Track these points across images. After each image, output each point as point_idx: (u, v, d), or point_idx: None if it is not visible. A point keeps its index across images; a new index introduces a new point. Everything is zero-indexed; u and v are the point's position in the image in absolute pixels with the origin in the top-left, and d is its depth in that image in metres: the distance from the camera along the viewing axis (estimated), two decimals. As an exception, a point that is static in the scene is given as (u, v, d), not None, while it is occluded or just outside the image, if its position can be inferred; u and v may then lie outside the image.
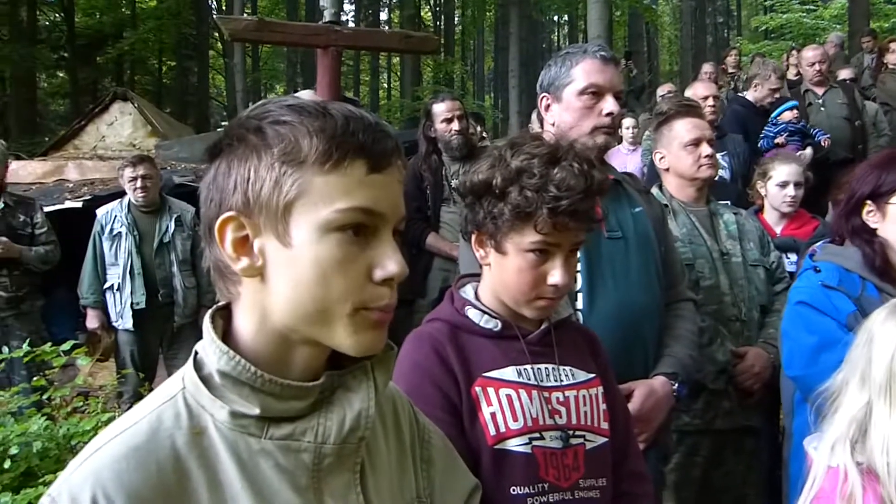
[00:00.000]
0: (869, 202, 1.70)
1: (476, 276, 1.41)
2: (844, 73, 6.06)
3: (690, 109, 2.72)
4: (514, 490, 1.21)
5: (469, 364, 1.27)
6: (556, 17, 22.59)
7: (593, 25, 8.11)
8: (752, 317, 2.38)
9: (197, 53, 21.24)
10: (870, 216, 1.70)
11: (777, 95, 4.96)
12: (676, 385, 1.79)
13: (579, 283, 1.80)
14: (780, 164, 2.94)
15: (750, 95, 5.03)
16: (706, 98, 4.01)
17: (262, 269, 0.78)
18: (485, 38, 21.99)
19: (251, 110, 0.82)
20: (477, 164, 1.32)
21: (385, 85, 26.81)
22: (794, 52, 7.72)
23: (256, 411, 0.77)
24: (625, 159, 5.78)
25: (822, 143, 4.82)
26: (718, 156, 3.97)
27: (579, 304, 1.79)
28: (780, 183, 2.91)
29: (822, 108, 5.14)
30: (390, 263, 0.78)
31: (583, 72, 1.87)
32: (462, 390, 1.25)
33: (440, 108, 3.61)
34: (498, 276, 1.31)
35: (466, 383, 1.25)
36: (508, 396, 1.25)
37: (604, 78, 1.86)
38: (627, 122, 6.00)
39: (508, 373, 1.27)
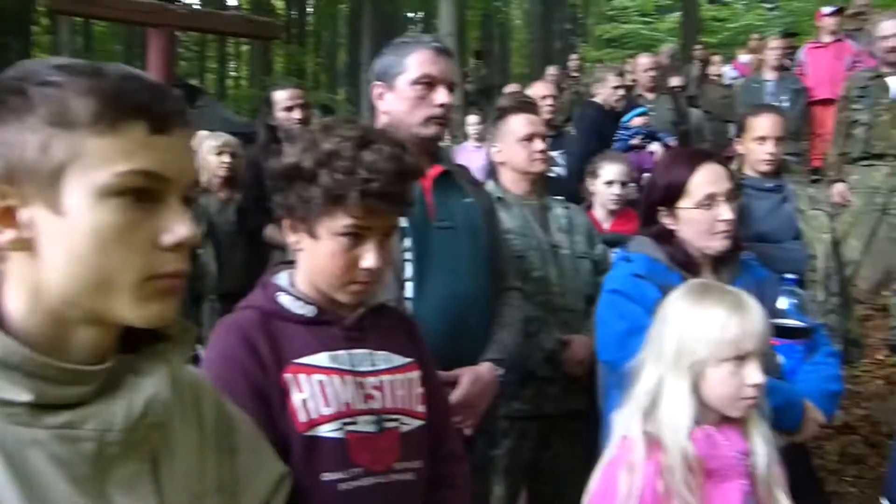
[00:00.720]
0: (662, 208, 1.83)
1: (293, 264, 1.36)
2: (674, 82, 6.53)
3: (526, 106, 2.82)
4: (325, 476, 1.20)
5: (280, 351, 1.24)
6: (411, 14, 22.78)
7: (445, 23, 8.24)
8: (579, 306, 2.49)
9: (18, 28, 19.25)
10: (666, 220, 1.83)
11: (621, 93, 5.24)
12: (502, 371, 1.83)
13: (409, 272, 1.80)
14: (607, 164, 3.11)
15: (599, 99, 5.31)
16: (545, 97, 4.18)
17: (32, 241, 0.72)
18: (339, 30, 21.71)
19: (10, 70, 0.74)
20: (288, 147, 1.28)
21: (233, 73, 25.76)
22: (630, 59, 8.24)
23: (28, 398, 0.71)
24: (470, 156, 5.89)
25: (670, 146, 5.17)
26: (556, 153, 4.18)
27: (409, 293, 1.79)
28: (606, 181, 3.08)
29: (653, 113, 5.51)
30: (179, 227, 0.75)
31: (416, 62, 1.87)
32: (272, 378, 1.22)
33: (281, 96, 3.49)
34: (311, 261, 1.29)
35: (276, 371, 1.22)
36: (321, 382, 1.23)
37: (437, 69, 1.87)
38: (472, 119, 6.11)
39: (321, 358, 1.25)
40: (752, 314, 1.34)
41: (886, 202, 4.25)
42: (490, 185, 2.62)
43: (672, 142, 5.26)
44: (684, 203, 1.80)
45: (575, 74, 8.58)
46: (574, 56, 9.17)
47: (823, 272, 2.80)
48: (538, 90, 4.32)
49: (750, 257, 2.44)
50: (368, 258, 1.25)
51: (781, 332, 1.82)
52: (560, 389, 2.40)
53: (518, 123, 2.58)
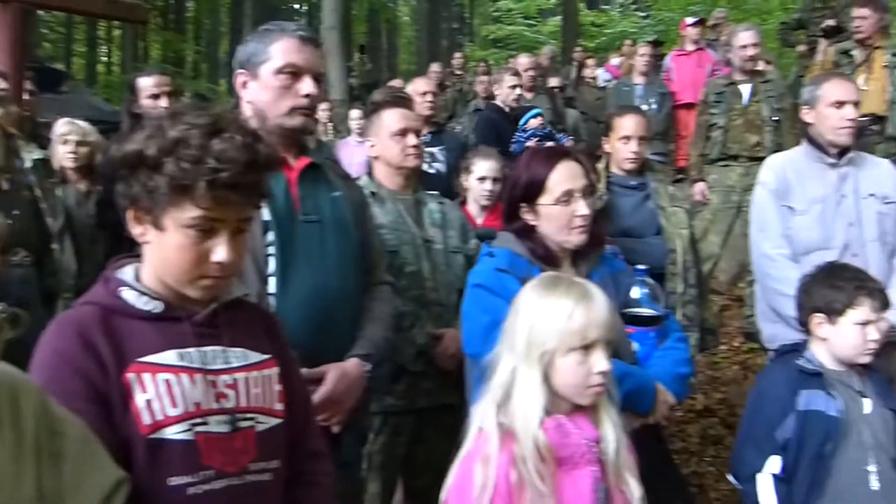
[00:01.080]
0: (523, 204, 1.88)
1: (139, 257, 1.29)
2: (552, 82, 6.75)
3: (400, 101, 2.82)
4: (172, 481, 1.14)
5: (122, 349, 1.17)
6: (295, 5, 22.29)
7: (328, 16, 8.11)
8: (451, 301, 2.51)
9: None
10: (527, 216, 1.88)
11: (519, 92, 5.31)
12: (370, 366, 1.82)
13: (272, 267, 1.75)
14: (480, 160, 3.16)
15: (499, 101, 5.36)
16: (425, 94, 4.19)
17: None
18: (221, 18, 20.89)
19: None
20: (133, 134, 1.21)
21: (104, 59, 24.21)
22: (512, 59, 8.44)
23: None
24: (352, 151, 5.83)
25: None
26: (436, 150, 4.20)
27: (271, 288, 1.74)
28: (479, 177, 3.13)
29: (531, 112, 5.66)
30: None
31: (281, 50, 1.82)
32: (112, 378, 1.14)
33: (146, 83, 3.30)
34: (158, 254, 1.22)
35: (117, 370, 1.15)
36: (167, 382, 1.17)
37: (302, 58, 1.83)
38: (356, 113, 6.06)
39: (168, 357, 1.19)
40: (597, 304, 1.39)
41: (741, 200, 4.55)
42: (364, 180, 2.60)
43: (568, 143, 5.45)
44: (544, 200, 1.86)
45: (459, 72, 8.69)
46: (458, 54, 9.29)
47: (682, 265, 2.98)
48: (418, 86, 4.32)
49: (615, 251, 2.56)
50: (219, 252, 1.19)
51: (635, 320, 1.92)
52: (433, 384, 2.42)
53: (391, 118, 2.58)
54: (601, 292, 1.44)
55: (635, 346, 1.92)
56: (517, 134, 4.99)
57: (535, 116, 5.15)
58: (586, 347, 1.38)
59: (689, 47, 6.49)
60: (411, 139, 2.56)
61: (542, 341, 1.38)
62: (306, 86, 1.82)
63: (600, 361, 1.38)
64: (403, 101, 2.76)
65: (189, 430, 1.17)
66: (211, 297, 1.26)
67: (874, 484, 1.98)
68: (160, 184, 1.15)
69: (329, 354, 1.77)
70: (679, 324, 2.91)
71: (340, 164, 2.26)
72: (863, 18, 4.72)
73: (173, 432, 1.16)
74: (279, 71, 1.80)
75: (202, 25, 21.80)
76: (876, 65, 4.66)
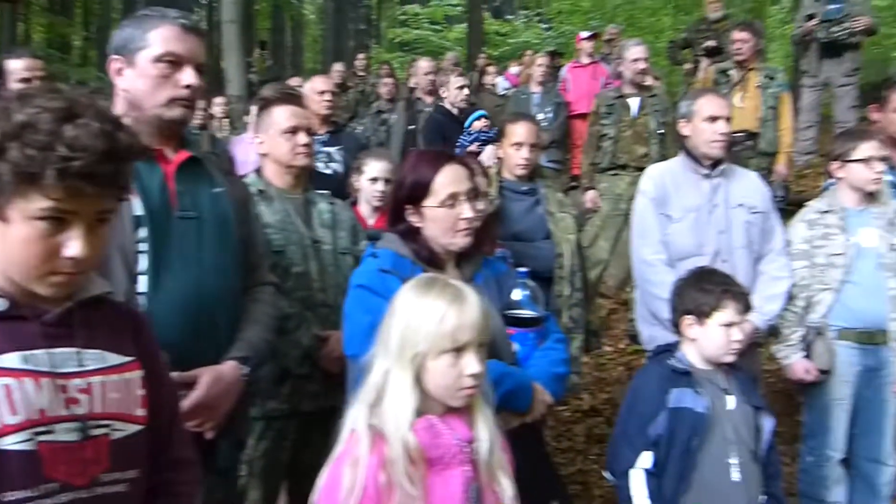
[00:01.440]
0: (408, 206, 1.89)
1: None
2: (452, 88, 6.79)
3: (291, 98, 2.76)
4: (10, 496, 1.06)
5: None
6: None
7: (227, 9, 7.85)
8: (339, 302, 2.45)
9: None
10: (412, 218, 1.89)
11: (466, 91, 5.35)
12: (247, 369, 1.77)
13: (143, 265, 1.67)
14: (372, 161, 3.15)
15: (446, 103, 5.37)
16: (323, 92, 4.13)
17: None
18: (112, 4, 19.83)
19: None
20: None
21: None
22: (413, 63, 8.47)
23: None
24: (248, 148, 5.67)
25: None
26: (333, 149, 4.15)
27: (142, 287, 1.66)
28: (371, 178, 3.11)
29: (431, 116, 5.69)
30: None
31: (160, 38, 1.74)
32: None
33: (16, 66, 3.10)
34: (2, 247, 1.13)
35: (-49, 375, 1.05)
36: (7, 387, 1.09)
37: (184, 47, 1.76)
38: (253, 110, 5.88)
39: (10, 359, 1.10)
40: (469, 307, 1.41)
41: (629, 208, 4.72)
42: (251, 178, 2.53)
43: None
44: (429, 202, 1.87)
45: (362, 74, 8.64)
46: (361, 55, 9.23)
47: (569, 269, 3.06)
48: (317, 84, 4.25)
49: (505, 254, 2.60)
50: (73, 246, 1.12)
51: (516, 321, 1.96)
52: (319, 387, 2.38)
53: (281, 115, 2.52)
54: (476, 295, 1.45)
55: (516, 346, 1.96)
56: (461, 137, 5.00)
57: (479, 118, 5.18)
58: (458, 350, 1.39)
59: (585, 60, 6.72)
60: (302, 137, 2.52)
61: (414, 343, 1.38)
62: (187, 76, 1.76)
63: (471, 364, 1.40)
64: (294, 98, 2.70)
65: (30, 439, 1.09)
66: (64, 295, 1.18)
67: (735, 476, 2.11)
68: (3, 171, 1.07)
69: (205, 357, 1.71)
70: (564, 325, 3.02)
71: (231, 160, 2.20)
72: (743, 42, 5.04)
73: (11, 442, 1.07)
74: (158, 59, 1.73)
75: (92, 10, 20.62)
76: (750, 84, 4.99)
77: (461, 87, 5.28)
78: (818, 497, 2.97)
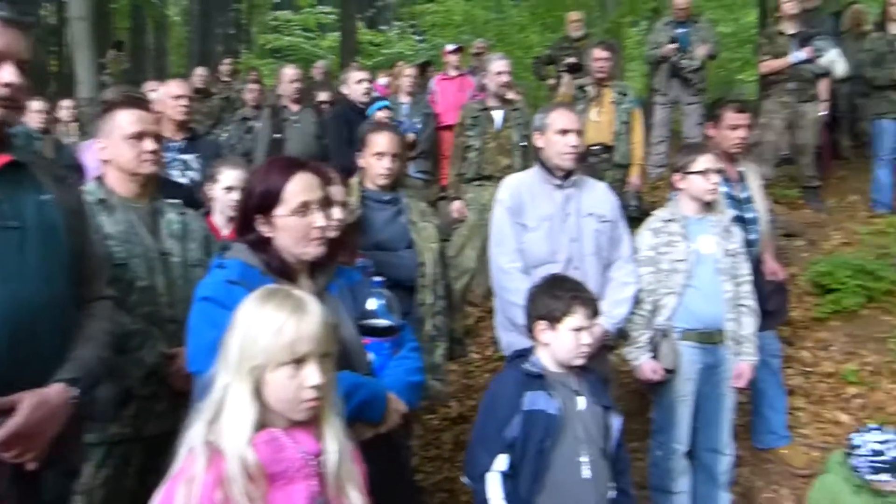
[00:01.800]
0: (258, 215, 1.83)
1: None
2: (322, 96, 6.72)
3: (136, 102, 2.61)
4: None
5: None
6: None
7: (76, 5, 7.33)
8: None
9: None
10: (262, 227, 1.84)
11: (366, 86, 5.36)
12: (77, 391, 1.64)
13: (-47, 278, 1.51)
14: (227, 169, 3.04)
15: (350, 98, 5.38)
16: (179, 97, 3.96)
17: None
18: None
19: None
20: None
21: None
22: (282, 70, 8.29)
23: None
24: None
25: (409, 138, 5.31)
26: (190, 157, 3.98)
27: (-49, 302, 1.50)
28: (226, 187, 3.01)
29: (297, 125, 5.59)
30: None
31: None
32: None
33: None
34: None
35: None
36: None
37: (1, 42, 1.62)
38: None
39: None
40: (310, 317, 1.38)
41: (494, 218, 4.86)
42: (91, 185, 2.37)
43: (412, 134, 5.48)
44: (280, 211, 1.82)
45: (227, 79, 8.35)
46: (226, 60, 8.92)
47: (431, 278, 3.09)
48: (172, 89, 4.06)
49: (366, 264, 2.58)
50: None
51: (371, 331, 1.95)
52: (166, 407, 2.25)
53: (125, 120, 2.38)
54: (318, 305, 1.43)
55: (371, 356, 1.95)
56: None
57: (381, 109, 5.11)
58: (298, 361, 1.36)
59: (452, 73, 6.84)
60: (148, 144, 2.39)
61: (252, 355, 1.34)
62: (6, 73, 1.62)
63: (312, 376, 1.37)
64: (139, 102, 2.56)
65: None
66: None
67: (585, 473, 2.20)
68: None
69: (27, 379, 1.57)
70: (427, 334, 3.05)
71: (69, 166, 2.04)
72: (605, 60, 5.31)
73: None
74: (-30, 55, 1.58)
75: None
76: (605, 100, 5.27)
77: (360, 82, 5.28)
78: (666, 488, 3.16)
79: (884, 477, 2.56)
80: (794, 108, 6.21)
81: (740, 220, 3.38)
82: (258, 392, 1.35)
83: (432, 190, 5.91)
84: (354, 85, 5.31)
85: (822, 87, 6.26)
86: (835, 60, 6.11)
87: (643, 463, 3.38)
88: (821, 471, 2.94)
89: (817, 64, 6.12)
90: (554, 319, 2.28)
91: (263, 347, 1.34)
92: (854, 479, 2.63)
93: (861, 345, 4.44)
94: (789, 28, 6.22)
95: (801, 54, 6.07)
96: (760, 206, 3.57)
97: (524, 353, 2.38)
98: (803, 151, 6.32)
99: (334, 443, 1.45)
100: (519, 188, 3.01)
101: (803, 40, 6.13)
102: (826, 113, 6.41)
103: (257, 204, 1.84)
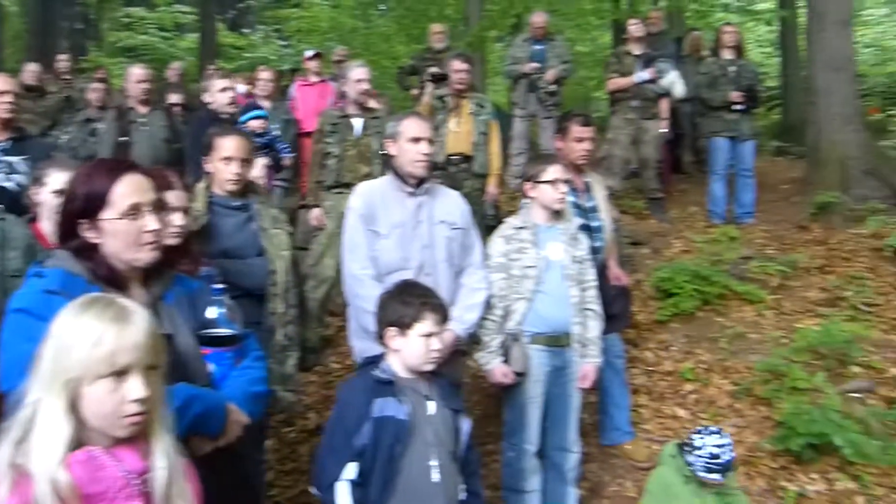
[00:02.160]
0: (83, 220, 1.72)
1: None
2: (174, 98, 6.39)
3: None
4: None
5: None
6: None
7: None
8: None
9: None
10: (88, 233, 1.72)
11: (231, 94, 5.06)
12: None
13: None
14: (55, 172, 2.79)
15: (213, 107, 5.03)
16: (3, 93, 3.63)
17: None
18: None
19: None
20: None
21: None
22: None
23: None
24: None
25: (284, 162, 5.25)
26: (16, 159, 3.66)
27: None
28: (54, 191, 2.76)
29: (146, 127, 5.30)
30: None
31: None
32: None
33: None
34: None
35: None
36: None
37: None
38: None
39: None
40: (133, 327, 1.30)
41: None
42: None
43: (288, 156, 5.31)
44: (107, 214, 1.70)
45: (67, 77, 7.76)
46: (64, 56, 8.28)
47: (283, 286, 3.02)
48: (-1, 84, 3.72)
49: (212, 272, 2.47)
50: None
51: (211, 341, 1.87)
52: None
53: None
54: (144, 314, 1.35)
55: (212, 367, 1.87)
56: None
57: (256, 118, 4.85)
58: (119, 374, 1.28)
59: (313, 79, 6.75)
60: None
61: (66, 368, 1.24)
62: None
63: (136, 388, 1.29)
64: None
65: None
66: None
67: (435, 476, 2.22)
68: None
69: None
70: (279, 343, 2.97)
71: None
72: (464, 72, 5.42)
73: None
74: None
75: None
76: (464, 111, 5.38)
77: (224, 90, 5.02)
78: (518, 488, 3.25)
79: (715, 476, 2.78)
80: (638, 125, 6.68)
81: (586, 229, 3.55)
82: (74, 407, 1.25)
83: (295, 198, 5.79)
84: (218, 93, 5.06)
85: (663, 105, 6.77)
86: (674, 82, 6.62)
87: (500, 464, 3.46)
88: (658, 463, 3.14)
89: (659, 84, 6.62)
90: (404, 326, 2.29)
91: (79, 359, 1.25)
92: (685, 471, 2.83)
93: (696, 344, 4.79)
94: (635, 49, 6.69)
95: (645, 74, 6.54)
96: (605, 216, 3.78)
97: (375, 360, 2.37)
98: (646, 165, 6.81)
99: (163, 460, 1.37)
100: (371, 195, 3.01)
101: (647, 61, 6.61)
102: (667, 130, 6.93)
103: (81, 208, 1.72)
